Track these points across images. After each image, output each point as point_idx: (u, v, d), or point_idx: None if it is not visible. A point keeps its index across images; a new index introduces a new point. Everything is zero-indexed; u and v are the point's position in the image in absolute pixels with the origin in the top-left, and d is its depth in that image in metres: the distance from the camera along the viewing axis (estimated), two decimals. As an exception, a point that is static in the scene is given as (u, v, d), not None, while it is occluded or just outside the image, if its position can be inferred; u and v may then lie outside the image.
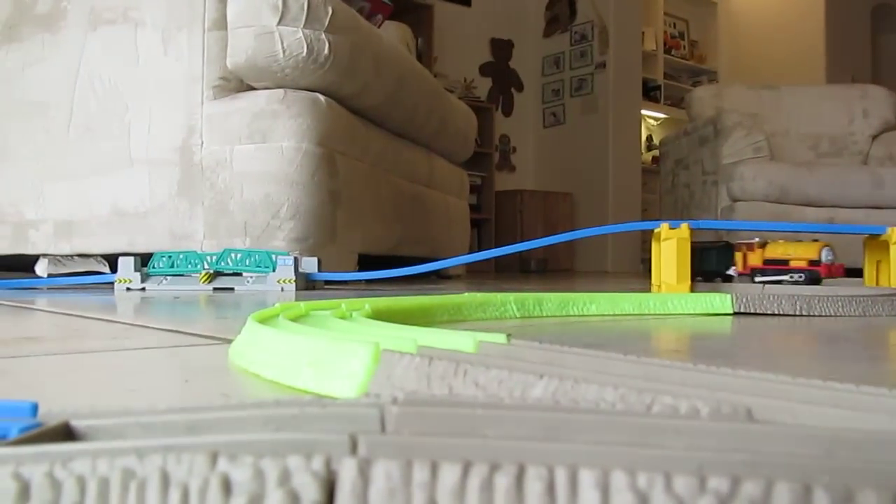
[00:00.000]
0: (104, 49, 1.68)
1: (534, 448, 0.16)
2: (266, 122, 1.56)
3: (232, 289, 1.49)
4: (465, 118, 2.69)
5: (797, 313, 0.91)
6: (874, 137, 3.56)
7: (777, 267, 1.73)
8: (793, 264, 1.74)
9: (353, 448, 0.16)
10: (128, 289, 1.49)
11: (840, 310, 0.91)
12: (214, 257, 1.49)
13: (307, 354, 0.37)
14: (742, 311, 0.92)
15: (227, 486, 0.14)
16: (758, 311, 0.92)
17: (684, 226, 1.29)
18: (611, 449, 0.16)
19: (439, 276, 2.53)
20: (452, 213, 2.60)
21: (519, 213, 4.81)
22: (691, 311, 0.94)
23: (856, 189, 3.13)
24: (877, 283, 1.46)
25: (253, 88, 1.62)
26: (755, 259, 1.86)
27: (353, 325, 0.51)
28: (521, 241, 1.53)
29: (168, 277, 1.51)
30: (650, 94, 5.73)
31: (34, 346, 0.56)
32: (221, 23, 1.58)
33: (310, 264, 1.51)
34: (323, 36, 1.56)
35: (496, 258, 4.21)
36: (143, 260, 1.53)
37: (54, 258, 1.73)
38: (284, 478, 0.14)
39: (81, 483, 0.15)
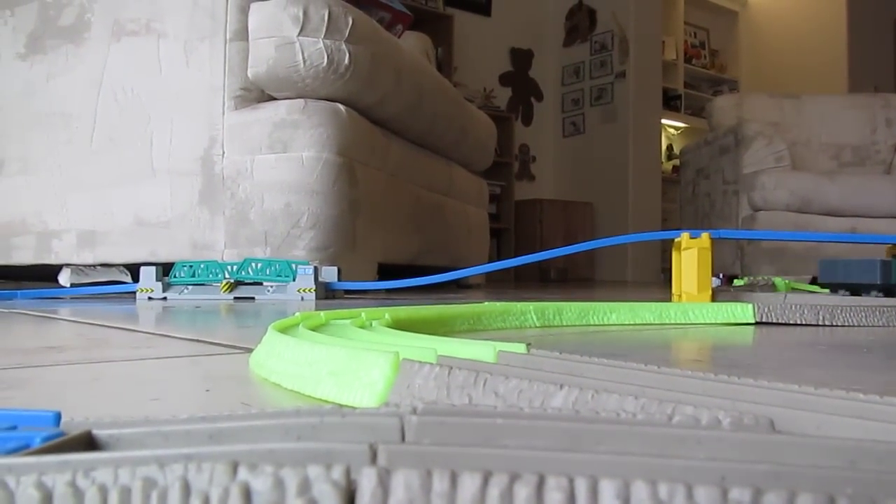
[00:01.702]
0: (127, 60, 1.69)
1: (554, 458, 0.16)
2: (286, 132, 1.56)
3: (252, 298, 1.49)
4: (485, 128, 2.69)
5: (819, 323, 0.90)
6: (897, 147, 3.54)
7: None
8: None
9: (373, 457, 0.16)
10: (149, 298, 1.49)
11: (863, 320, 0.91)
12: (235, 267, 1.50)
13: (327, 364, 0.37)
14: (764, 320, 0.91)
15: (247, 496, 0.14)
16: (780, 321, 0.91)
17: (705, 235, 1.28)
18: (632, 459, 0.16)
19: (459, 286, 2.53)
20: (472, 222, 2.60)
21: (538, 222, 4.81)
22: (712, 321, 0.93)
23: (878, 199, 3.10)
24: (901, 293, 1.45)
25: (273, 99, 1.62)
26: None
27: (372, 334, 0.51)
28: (541, 251, 1.53)
29: (189, 287, 1.51)
30: (670, 103, 5.72)
31: (57, 355, 0.57)
32: (243, 34, 1.59)
33: (330, 273, 1.52)
34: (343, 46, 1.57)
35: (516, 268, 4.20)
36: (165, 269, 1.54)
37: (77, 268, 1.75)
38: (304, 487, 0.14)
39: (103, 492, 0.15)
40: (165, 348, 0.63)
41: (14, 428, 0.19)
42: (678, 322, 0.93)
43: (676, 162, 5.08)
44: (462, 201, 2.52)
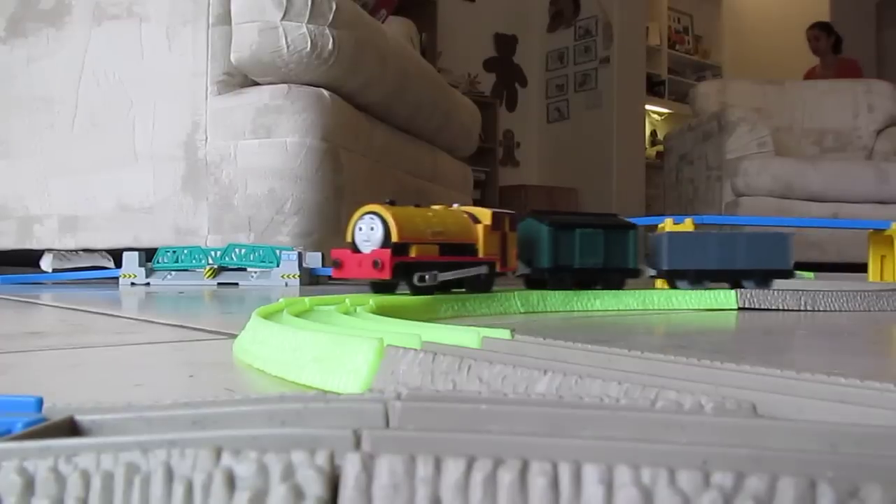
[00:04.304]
0: (109, 44, 1.68)
1: (537, 443, 0.16)
2: (270, 118, 1.56)
3: (236, 284, 1.49)
4: (469, 113, 2.69)
5: (802, 308, 0.91)
6: (879, 132, 3.55)
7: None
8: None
9: (357, 443, 0.16)
10: (132, 284, 1.49)
11: (845, 305, 0.91)
12: (219, 252, 1.49)
13: (311, 350, 0.37)
14: (747, 306, 0.92)
15: (230, 481, 0.14)
16: (762, 307, 0.91)
17: (688, 221, 1.28)
18: (615, 444, 0.16)
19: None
20: (456, 208, 2.60)
21: (523, 208, 4.81)
22: (696, 307, 0.93)
23: (860, 184, 3.12)
24: (881, 278, 1.46)
25: (257, 84, 1.62)
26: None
27: (357, 320, 0.51)
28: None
29: (172, 272, 1.51)
30: (654, 89, 5.71)
31: (39, 340, 0.56)
32: (225, 18, 1.58)
33: (314, 259, 1.52)
34: (327, 31, 1.56)
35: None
36: (148, 255, 1.53)
37: (59, 253, 1.74)
38: (288, 473, 0.14)
39: (86, 478, 0.15)
40: (148, 334, 0.63)
41: (-5, 414, 0.19)
42: (662, 308, 0.93)
43: (660, 148, 5.09)
44: (446, 187, 2.52)
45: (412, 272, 0.81)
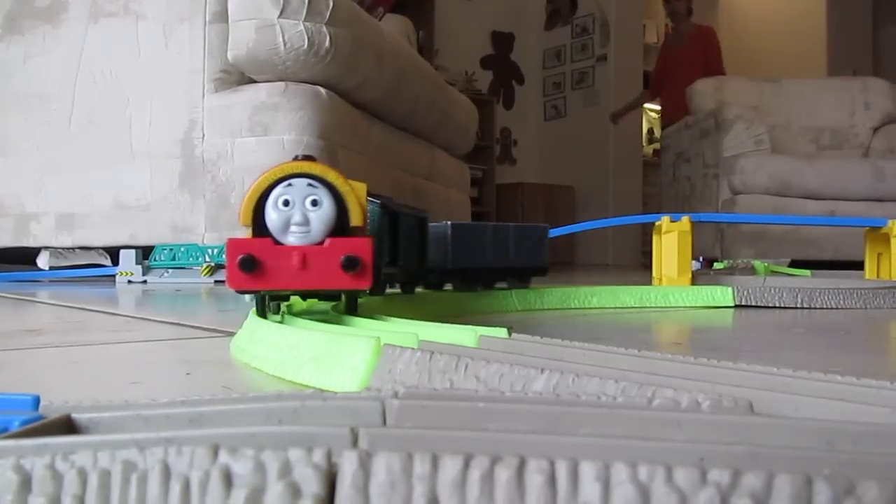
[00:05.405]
0: (105, 42, 1.68)
1: (535, 441, 0.16)
2: (267, 115, 1.55)
3: (233, 282, 1.49)
4: (467, 111, 2.68)
5: (798, 306, 0.91)
6: (875, 130, 3.55)
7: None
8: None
9: (354, 441, 0.16)
10: (129, 281, 1.49)
11: (841, 302, 0.91)
12: (216, 250, 1.49)
13: (309, 349, 0.37)
14: (743, 303, 0.92)
15: (228, 479, 0.14)
16: (759, 304, 0.92)
17: (685, 219, 1.28)
18: (612, 442, 0.16)
19: (440, 270, 2.52)
20: (453, 206, 2.60)
21: (520, 206, 4.81)
22: (692, 304, 0.94)
23: (857, 182, 3.12)
24: (877, 276, 1.46)
25: (254, 81, 1.61)
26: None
27: (354, 319, 0.51)
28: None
29: (169, 270, 1.51)
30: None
31: (36, 338, 0.56)
32: (222, 15, 1.58)
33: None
34: (324, 29, 1.56)
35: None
36: (145, 253, 1.53)
37: (56, 251, 1.73)
38: (285, 470, 0.14)
39: (83, 475, 0.15)
40: (145, 332, 0.63)
41: (-8, 412, 0.19)
42: (659, 305, 0.93)
43: (657, 145, 5.09)
44: (444, 185, 2.52)
45: None
